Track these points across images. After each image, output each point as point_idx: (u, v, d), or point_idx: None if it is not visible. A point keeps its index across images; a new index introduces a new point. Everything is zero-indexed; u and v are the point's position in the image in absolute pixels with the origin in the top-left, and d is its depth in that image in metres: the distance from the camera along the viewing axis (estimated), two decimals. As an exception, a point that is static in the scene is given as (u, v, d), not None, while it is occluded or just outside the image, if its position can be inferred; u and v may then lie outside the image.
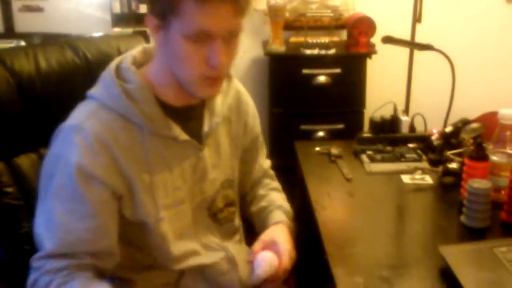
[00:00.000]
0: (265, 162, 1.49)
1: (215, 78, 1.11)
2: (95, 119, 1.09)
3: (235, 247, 1.33)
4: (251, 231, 1.42)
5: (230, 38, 1.08)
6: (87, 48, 1.40)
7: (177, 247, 1.19)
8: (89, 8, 2.76)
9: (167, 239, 1.17)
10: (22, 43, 2.69)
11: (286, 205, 1.41)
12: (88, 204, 1.06)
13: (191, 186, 1.21)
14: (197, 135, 1.21)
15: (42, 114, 1.27)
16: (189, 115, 1.20)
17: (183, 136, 1.16)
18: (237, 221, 1.39)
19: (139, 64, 1.17)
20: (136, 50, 1.20)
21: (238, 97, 1.34)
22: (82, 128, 1.08)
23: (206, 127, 1.22)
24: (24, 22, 2.90)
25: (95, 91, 1.14)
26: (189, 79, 1.10)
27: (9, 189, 1.23)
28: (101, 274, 1.10)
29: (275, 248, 1.24)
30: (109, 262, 1.12)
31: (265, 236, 1.28)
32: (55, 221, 1.06)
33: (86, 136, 1.06)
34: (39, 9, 2.88)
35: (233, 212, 1.35)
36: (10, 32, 2.86)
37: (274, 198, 1.41)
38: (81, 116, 1.10)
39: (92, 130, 1.07)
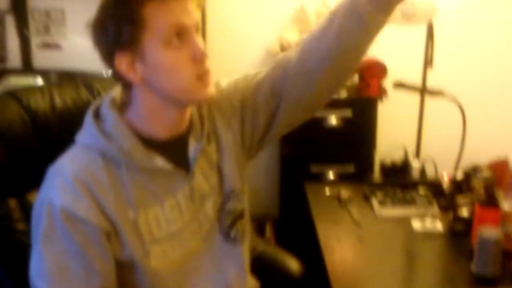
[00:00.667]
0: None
1: (206, 73, 1.10)
2: (75, 160, 1.10)
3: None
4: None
5: (197, 32, 1.09)
6: (102, 87, 1.42)
7: (175, 281, 1.15)
8: (105, 46, 2.82)
9: (159, 275, 1.13)
10: (39, 79, 2.74)
11: None
12: (77, 245, 1.05)
13: (194, 215, 1.19)
14: (186, 165, 1.19)
15: (56, 151, 1.29)
16: (175, 146, 1.18)
17: (167, 166, 1.14)
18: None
19: (119, 104, 1.17)
20: (116, 90, 1.20)
21: (216, 103, 1.25)
22: (62, 170, 1.08)
23: (191, 152, 1.19)
24: (42, 58, 2.95)
25: (79, 134, 1.15)
26: (184, 86, 1.09)
27: (20, 226, 1.24)
28: None
29: None
30: None
31: None
32: (47, 263, 1.04)
33: (66, 177, 1.06)
34: (57, 47, 2.94)
35: (244, 223, 1.29)
36: (28, 68, 2.92)
37: None
38: (64, 159, 1.12)
39: (71, 172, 1.07)
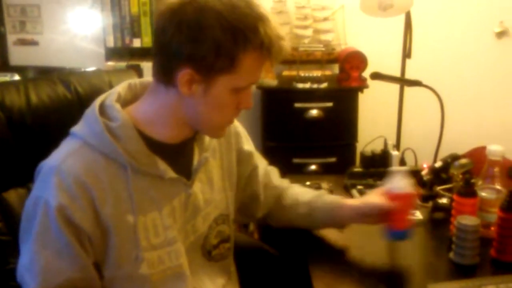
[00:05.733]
0: (282, 182, 1.54)
1: (233, 121, 1.18)
2: (76, 159, 1.06)
3: None
4: (245, 271, 1.41)
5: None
6: (78, 83, 1.40)
7: None
8: (83, 41, 2.79)
9: (149, 281, 1.11)
10: (16, 76, 2.71)
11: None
12: (73, 246, 1.03)
13: (183, 224, 1.18)
14: (186, 171, 1.19)
15: (32, 149, 1.27)
16: (179, 151, 1.18)
17: (170, 173, 1.13)
18: (232, 260, 1.35)
19: (124, 101, 1.15)
20: (121, 86, 1.18)
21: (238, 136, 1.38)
22: (61, 169, 1.04)
23: (195, 163, 1.21)
24: (18, 55, 2.92)
25: (78, 128, 1.11)
26: (216, 124, 1.15)
27: (-3, 224, 1.22)
28: None
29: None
30: None
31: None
32: (41, 265, 1.02)
33: (64, 177, 1.03)
34: (34, 43, 2.91)
35: (228, 248, 1.32)
36: (4, 66, 2.88)
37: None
38: (62, 155, 1.07)
39: (71, 171, 1.04)
